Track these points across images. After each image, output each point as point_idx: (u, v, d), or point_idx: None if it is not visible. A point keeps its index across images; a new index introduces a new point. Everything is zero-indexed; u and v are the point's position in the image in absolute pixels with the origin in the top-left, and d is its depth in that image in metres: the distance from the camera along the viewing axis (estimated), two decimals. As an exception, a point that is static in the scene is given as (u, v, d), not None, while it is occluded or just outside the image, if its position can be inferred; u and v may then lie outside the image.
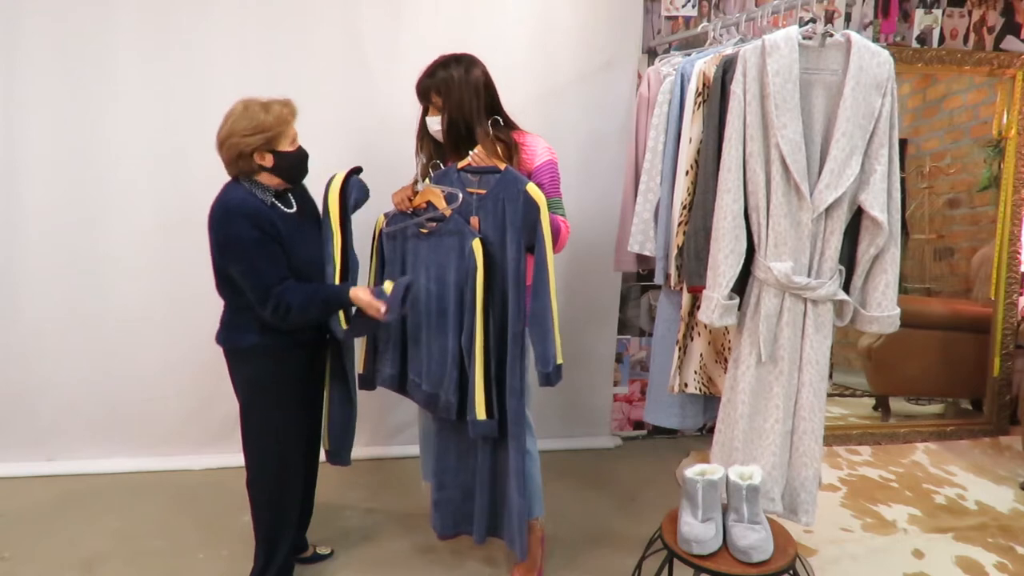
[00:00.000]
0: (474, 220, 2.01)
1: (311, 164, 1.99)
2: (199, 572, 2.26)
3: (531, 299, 1.98)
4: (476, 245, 1.95)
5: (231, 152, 1.85)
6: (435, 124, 2.07)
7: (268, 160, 1.87)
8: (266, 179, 1.91)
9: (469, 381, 2.00)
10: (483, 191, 2.00)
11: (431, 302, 2.05)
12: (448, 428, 2.12)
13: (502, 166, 1.96)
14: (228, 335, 1.98)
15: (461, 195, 2.00)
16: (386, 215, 2.16)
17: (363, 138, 2.83)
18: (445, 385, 2.03)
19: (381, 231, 2.17)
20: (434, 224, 2.03)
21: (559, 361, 2.01)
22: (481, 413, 1.98)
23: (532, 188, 1.92)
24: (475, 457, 2.11)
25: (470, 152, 1.99)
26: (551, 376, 2.01)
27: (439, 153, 2.14)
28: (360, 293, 1.91)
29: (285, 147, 1.89)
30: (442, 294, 2.03)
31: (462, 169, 2.02)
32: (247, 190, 1.89)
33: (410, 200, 2.08)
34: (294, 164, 1.93)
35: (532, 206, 1.91)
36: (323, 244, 2.03)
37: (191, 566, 2.28)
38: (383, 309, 1.88)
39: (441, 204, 2.01)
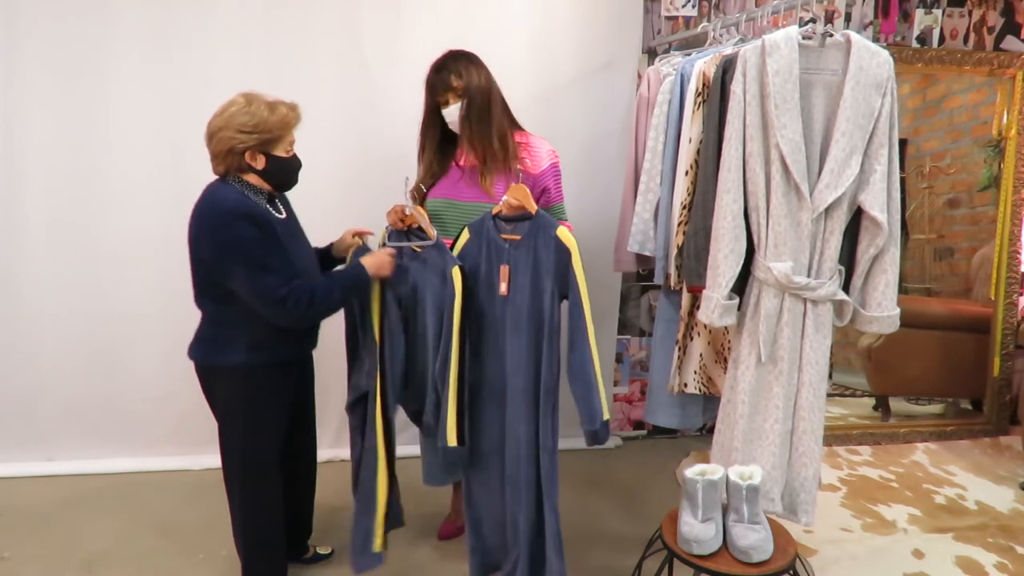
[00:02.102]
0: (504, 269, 1.92)
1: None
2: (199, 572, 2.26)
3: (569, 351, 1.87)
4: (455, 273, 1.90)
5: (222, 145, 1.75)
6: (454, 113, 2.01)
7: (260, 162, 1.78)
8: (255, 180, 1.82)
9: (442, 407, 1.93)
10: (518, 237, 1.92)
11: (418, 322, 2.02)
12: (479, 474, 2.04)
13: (533, 210, 1.90)
14: (207, 351, 1.86)
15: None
16: (386, 229, 2.11)
17: (363, 137, 2.84)
18: (426, 405, 2.00)
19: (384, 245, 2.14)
20: (425, 245, 2.00)
21: (606, 417, 1.85)
22: (452, 440, 1.91)
23: (563, 232, 1.87)
24: (503, 496, 2.00)
25: (503, 199, 1.92)
26: (599, 434, 1.85)
27: (442, 161, 2.10)
28: (369, 259, 1.91)
29: (280, 152, 1.81)
30: (425, 317, 1.99)
31: (496, 216, 1.94)
32: (238, 190, 1.78)
33: (402, 221, 2.03)
34: (286, 172, 1.85)
35: (563, 251, 1.86)
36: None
37: (191, 566, 2.28)
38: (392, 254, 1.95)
39: (426, 226, 1.97)
